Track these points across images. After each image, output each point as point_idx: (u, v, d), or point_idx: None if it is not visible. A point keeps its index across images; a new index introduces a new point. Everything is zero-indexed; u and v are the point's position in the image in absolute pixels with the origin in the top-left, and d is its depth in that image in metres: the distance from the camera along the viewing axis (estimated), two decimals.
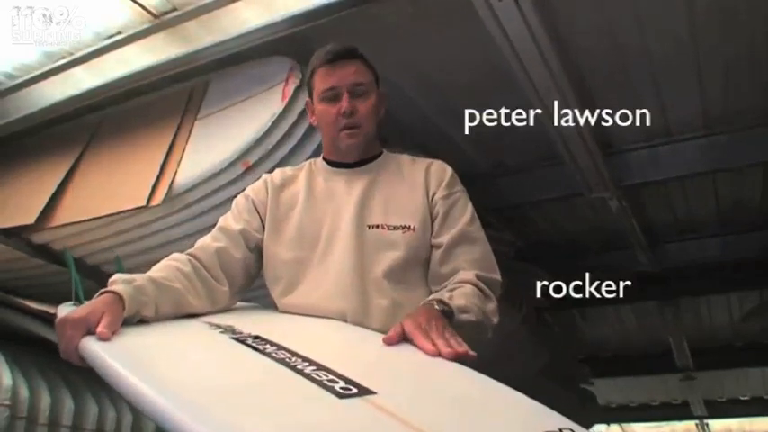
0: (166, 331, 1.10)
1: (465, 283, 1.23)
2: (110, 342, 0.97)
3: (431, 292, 1.26)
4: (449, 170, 1.39)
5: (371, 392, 0.79)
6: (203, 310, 1.24)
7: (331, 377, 0.83)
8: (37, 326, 2.68)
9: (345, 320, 1.21)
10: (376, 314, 1.22)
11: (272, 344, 0.97)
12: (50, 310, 2.58)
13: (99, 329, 0.98)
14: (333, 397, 0.78)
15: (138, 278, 1.13)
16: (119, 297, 1.05)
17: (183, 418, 0.69)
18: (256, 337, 1.00)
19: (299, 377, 0.85)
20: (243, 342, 0.99)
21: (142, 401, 0.76)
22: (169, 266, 1.23)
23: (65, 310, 1.08)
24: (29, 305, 2.56)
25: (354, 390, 0.80)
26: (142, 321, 1.10)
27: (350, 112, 1.30)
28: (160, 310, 1.13)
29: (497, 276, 1.30)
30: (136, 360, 0.93)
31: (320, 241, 1.30)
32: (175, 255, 1.28)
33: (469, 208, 1.35)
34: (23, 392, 2.40)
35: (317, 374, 0.84)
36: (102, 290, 1.08)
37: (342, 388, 0.80)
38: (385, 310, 1.22)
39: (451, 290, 1.20)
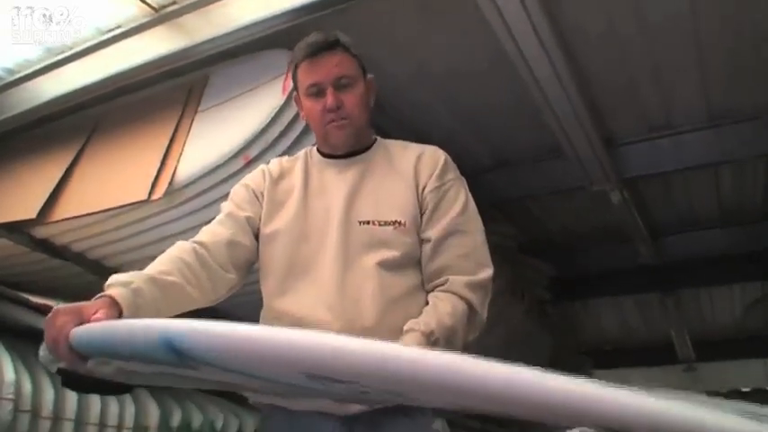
0: None
1: (453, 294, 1.20)
2: None
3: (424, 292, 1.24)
4: (441, 158, 1.31)
5: None
6: (207, 301, 1.21)
7: None
8: (39, 320, 2.68)
9: (331, 323, 1.16)
10: (369, 305, 1.18)
11: None
12: (52, 304, 2.58)
13: (95, 316, 0.94)
14: None
15: (136, 279, 1.07)
16: (115, 301, 1.01)
17: None
18: None
19: None
20: None
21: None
22: (172, 258, 1.18)
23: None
24: (31, 299, 2.56)
25: None
26: None
27: (336, 107, 1.26)
28: (161, 310, 1.09)
29: (488, 272, 1.25)
30: None
31: (311, 240, 1.26)
32: (180, 243, 1.23)
33: (462, 197, 1.29)
34: (27, 386, 2.40)
35: None
36: (99, 294, 1.03)
37: None
38: (378, 296, 1.18)
39: (437, 310, 1.17)
